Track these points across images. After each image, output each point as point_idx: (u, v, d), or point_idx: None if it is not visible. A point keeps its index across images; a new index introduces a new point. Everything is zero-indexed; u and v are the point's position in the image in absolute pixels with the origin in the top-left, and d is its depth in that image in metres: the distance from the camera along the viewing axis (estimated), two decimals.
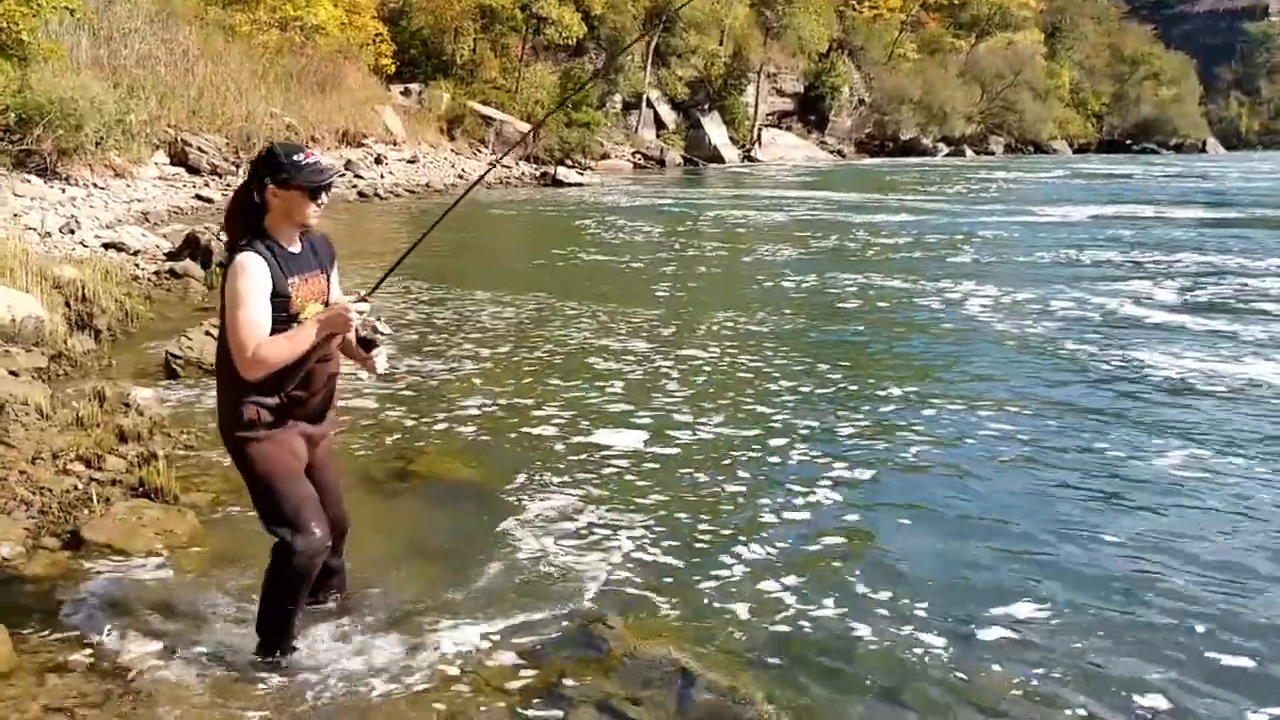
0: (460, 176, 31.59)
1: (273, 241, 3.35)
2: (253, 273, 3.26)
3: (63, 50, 18.94)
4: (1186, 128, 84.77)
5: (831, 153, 60.59)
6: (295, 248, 3.43)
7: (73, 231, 13.13)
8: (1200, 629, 3.99)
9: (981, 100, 70.21)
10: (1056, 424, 6.80)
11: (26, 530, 4.52)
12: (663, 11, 46.93)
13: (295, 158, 3.35)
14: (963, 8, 74.78)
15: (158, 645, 3.63)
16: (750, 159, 54.20)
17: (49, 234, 12.74)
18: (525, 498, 5.29)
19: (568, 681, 3.52)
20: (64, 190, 16.52)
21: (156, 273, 11.78)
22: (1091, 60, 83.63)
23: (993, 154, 68.84)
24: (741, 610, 4.11)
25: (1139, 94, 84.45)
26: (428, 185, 29.10)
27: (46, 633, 3.71)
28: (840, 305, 11.56)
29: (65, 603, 3.93)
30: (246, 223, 3.37)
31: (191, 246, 12.28)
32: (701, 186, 36.46)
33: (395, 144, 33.29)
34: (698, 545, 4.76)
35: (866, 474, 5.77)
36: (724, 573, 4.46)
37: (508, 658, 3.68)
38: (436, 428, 6.55)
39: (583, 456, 5.98)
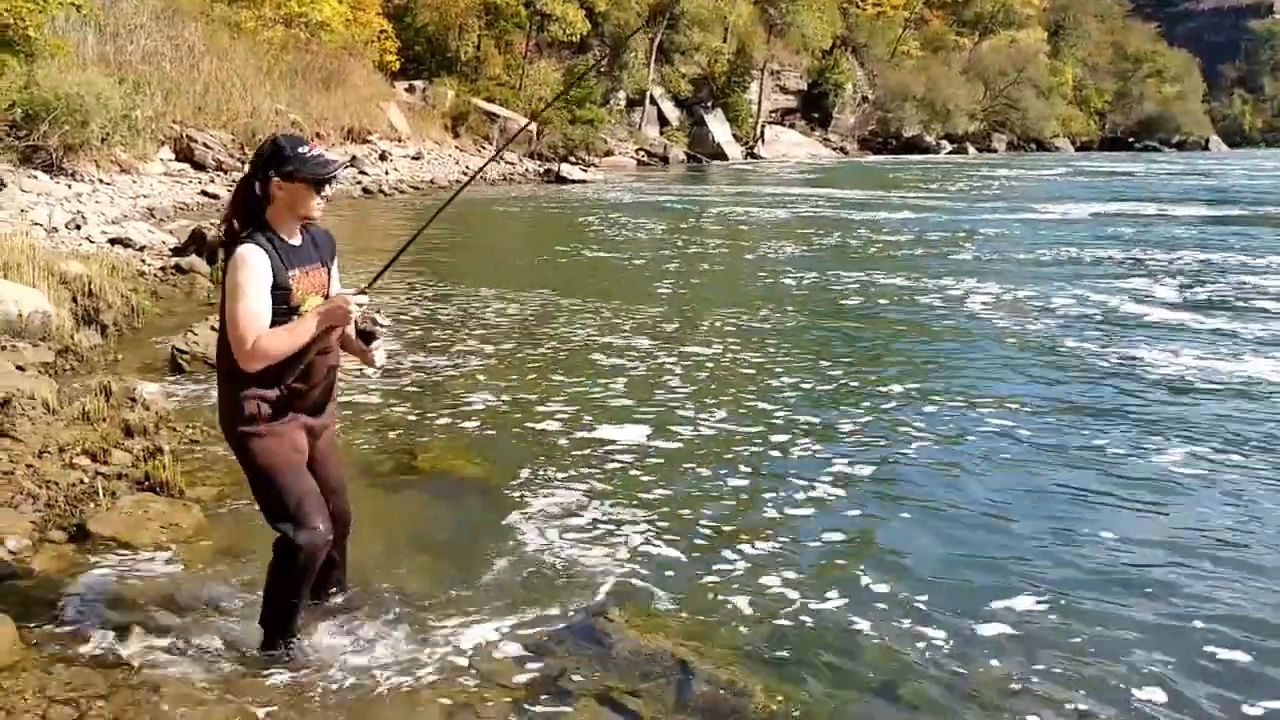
0: (464, 173, 31.62)
1: (274, 234, 3.35)
2: (253, 265, 3.26)
3: (69, 46, 18.96)
4: (1189, 125, 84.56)
5: (834, 150, 60.55)
6: (296, 240, 3.42)
7: (79, 227, 13.17)
8: (1199, 625, 4.01)
9: (984, 98, 70.11)
10: (1057, 421, 6.82)
11: (33, 523, 4.56)
12: (666, 8, 46.96)
13: (300, 150, 3.35)
14: (966, 5, 74.74)
15: (163, 638, 3.66)
16: (753, 156, 54.18)
17: (55, 229, 12.79)
18: (529, 493, 5.32)
19: (569, 675, 3.54)
20: (70, 186, 16.56)
21: (162, 268, 11.81)
22: (1095, 58, 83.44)
23: (995, 151, 68.75)
24: (742, 604, 4.13)
25: (1142, 91, 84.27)
26: (432, 182, 29.14)
27: (53, 625, 3.74)
28: (842, 302, 11.57)
29: (71, 595, 3.96)
30: (248, 215, 3.36)
31: (197, 242, 12.31)
32: (705, 184, 36.46)
33: (400, 141, 33.33)
34: (699, 540, 4.79)
35: (867, 470, 5.80)
36: (725, 567, 4.49)
37: (511, 652, 3.71)
38: (440, 423, 6.58)
39: (586, 452, 6.01)
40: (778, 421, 6.71)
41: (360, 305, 3.34)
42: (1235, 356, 8.72)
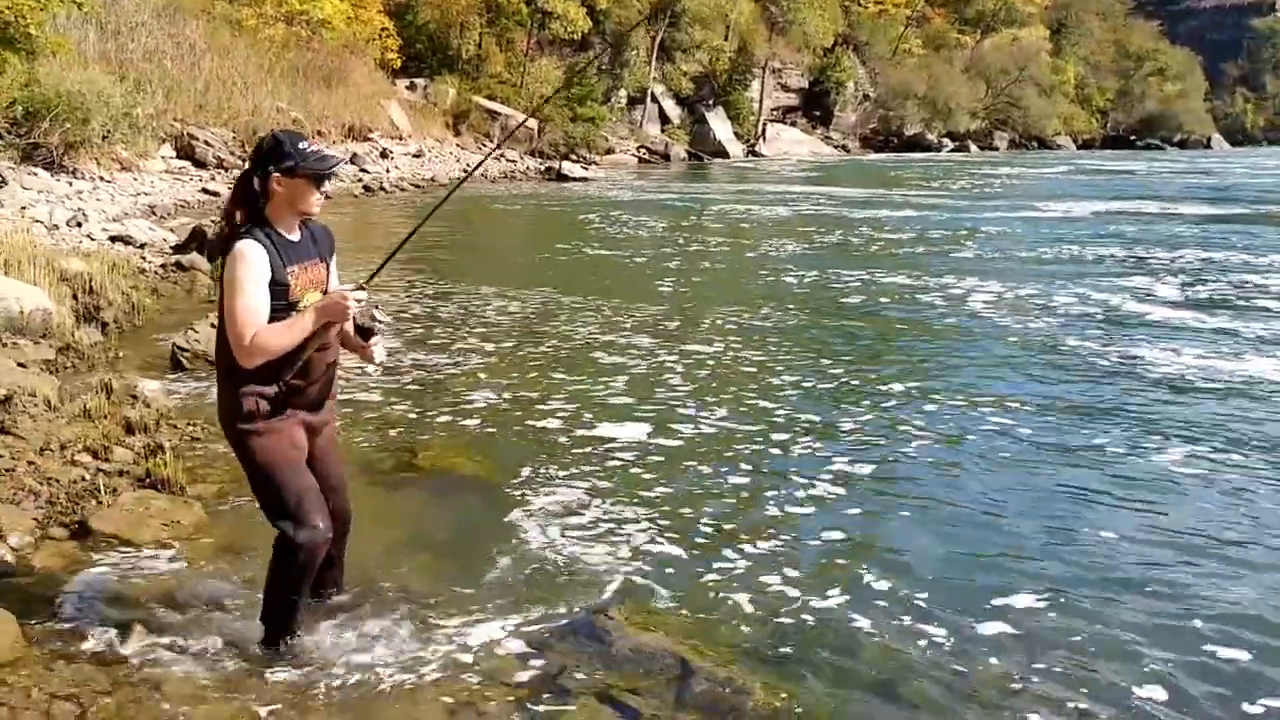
0: (465, 171, 31.56)
1: (272, 230, 3.34)
2: (252, 260, 3.25)
3: (70, 44, 18.96)
4: (1191, 124, 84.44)
5: (836, 148, 60.52)
6: (295, 236, 3.42)
7: (80, 224, 13.18)
8: (1200, 625, 4.01)
9: (986, 96, 70.07)
10: (1058, 420, 6.82)
11: (35, 520, 4.56)
12: (668, 6, 46.92)
13: (300, 145, 3.34)
14: (968, 3, 74.71)
15: (165, 635, 3.67)
16: (754, 154, 54.15)
17: (56, 227, 12.79)
18: (529, 491, 5.32)
19: (570, 673, 3.55)
20: (71, 184, 16.56)
21: (163, 266, 11.82)
22: (1097, 56, 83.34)
23: (997, 150, 68.70)
24: (743, 602, 4.14)
25: (1144, 90, 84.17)
26: (433, 179, 29.12)
27: (54, 622, 3.75)
28: (843, 301, 11.57)
29: (73, 592, 3.97)
30: (247, 211, 3.35)
31: (198, 240, 12.32)
32: (705, 181, 36.45)
33: (401, 138, 33.30)
34: (700, 538, 4.79)
35: (868, 469, 5.80)
36: (726, 565, 4.49)
37: (513, 649, 3.72)
38: (441, 421, 6.58)
39: (587, 450, 6.02)
40: (779, 420, 6.72)
41: (359, 301, 3.33)
42: (1237, 355, 8.72)
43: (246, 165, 3.44)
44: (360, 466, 5.45)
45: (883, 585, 4.31)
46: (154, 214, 16.87)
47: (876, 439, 6.36)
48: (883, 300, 11.57)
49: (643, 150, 47.60)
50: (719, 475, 5.64)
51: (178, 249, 12.58)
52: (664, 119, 51.96)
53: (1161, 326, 10.01)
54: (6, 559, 4.16)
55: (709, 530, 4.90)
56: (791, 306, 11.14)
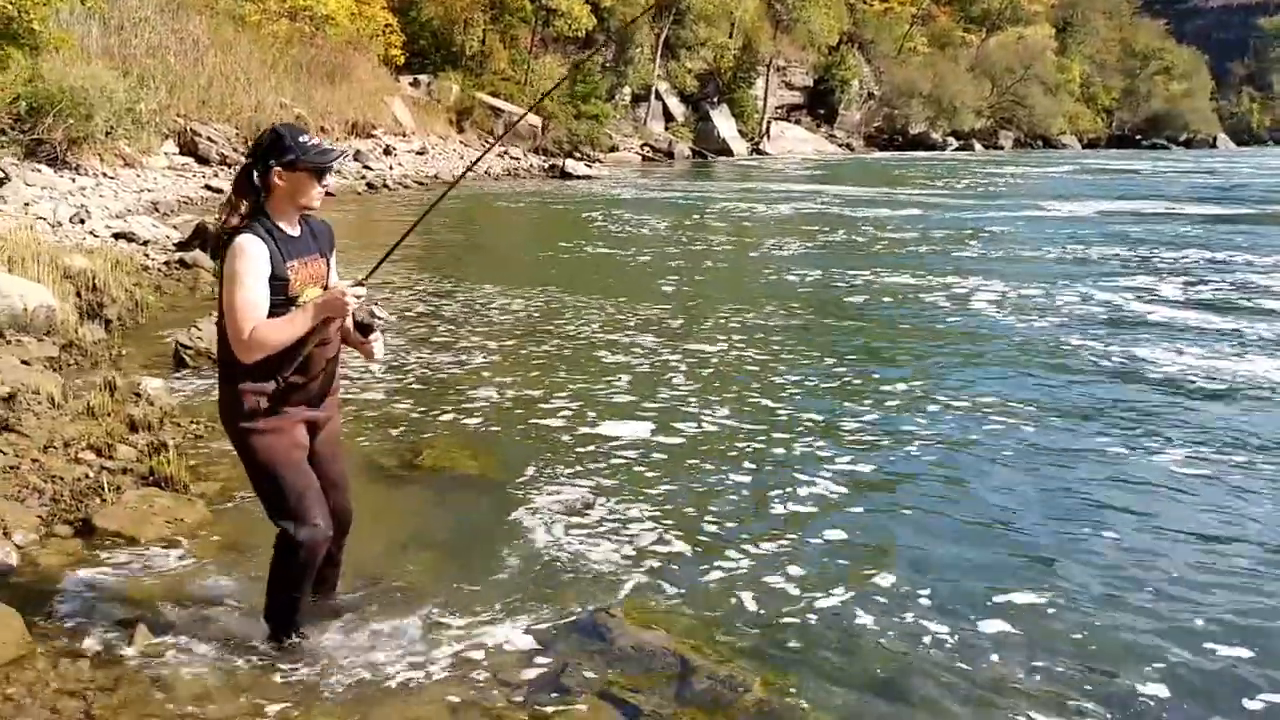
0: (468, 167, 31.56)
1: (272, 224, 3.33)
2: (252, 254, 3.24)
3: (73, 39, 18.99)
4: (1197, 123, 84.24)
5: (840, 146, 60.46)
6: (295, 231, 3.41)
7: (83, 221, 13.19)
8: (1201, 625, 4.02)
9: (991, 94, 69.94)
10: (1061, 420, 6.82)
11: (39, 518, 4.58)
12: (672, 4, 46.86)
13: (301, 139, 3.34)
14: (973, 2, 74.51)
15: (169, 632, 3.68)
16: (759, 152, 54.11)
17: (59, 224, 12.80)
18: (533, 489, 5.33)
19: (571, 671, 3.55)
20: (74, 180, 16.58)
21: (166, 263, 11.83)
22: (1102, 55, 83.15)
23: (1002, 149, 68.59)
24: (745, 600, 4.15)
25: (1150, 89, 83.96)
26: (436, 176, 29.14)
27: (59, 619, 3.77)
28: (846, 300, 11.57)
29: (77, 589, 3.99)
30: (247, 205, 3.34)
31: (201, 236, 12.32)
32: (709, 179, 36.43)
33: (404, 135, 33.32)
34: (702, 536, 4.80)
35: (870, 467, 5.81)
36: (727, 564, 4.50)
37: (517, 647, 3.73)
38: (444, 419, 6.59)
39: (590, 448, 6.03)
40: (781, 419, 6.72)
41: (358, 297, 3.33)
42: (1241, 356, 8.71)
43: (246, 159, 3.43)
44: (363, 465, 5.46)
45: (884, 584, 4.31)
46: (157, 211, 16.89)
47: (879, 438, 6.36)
48: (886, 300, 11.56)
49: (647, 148, 47.55)
50: (722, 474, 5.65)
51: (181, 246, 12.60)
52: (668, 117, 51.91)
53: (1166, 327, 10.00)
54: (11, 556, 4.17)
55: (711, 529, 4.90)
56: (795, 306, 11.14)
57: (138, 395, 6.38)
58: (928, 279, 12.90)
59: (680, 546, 4.68)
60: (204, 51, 25.61)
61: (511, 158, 35.89)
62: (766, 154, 53.77)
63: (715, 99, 53.77)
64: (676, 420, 6.61)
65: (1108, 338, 9.41)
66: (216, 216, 3.55)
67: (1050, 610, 4.11)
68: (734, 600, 4.16)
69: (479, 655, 3.66)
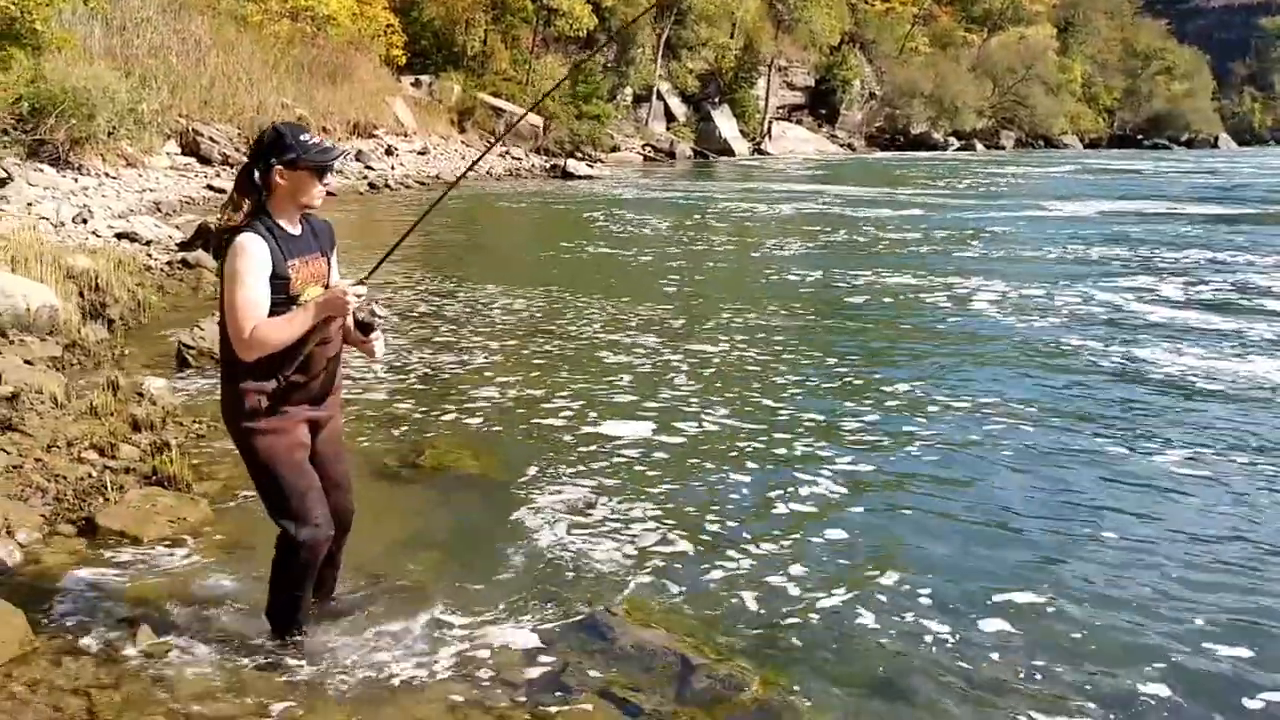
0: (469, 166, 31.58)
1: (273, 223, 3.33)
2: (252, 253, 3.24)
3: (76, 40, 19.03)
4: (1199, 123, 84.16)
5: (841, 146, 60.45)
6: (295, 230, 3.41)
7: (85, 221, 13.21)
8: (1202, 624, 4.02)
9: (993, 94, 69.92)
10: (1061, 421, 6.82)
11: (43, 517, 4.60)
12: (674, 4, 46.86)
13: (302, 138, 3.34)
14: (975, 2, 74.49)
15: (171, 631, 3.69)
16: (760, 152, 54.11)
17: (62, 224, 12.82)
18: (534, 489, 5.34)
19: (573, 670, 3.57)
20: (76, 180, 16.61)
21: (169, 263, 11.85)
22: (1104, 55, 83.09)
23: (1003, 149, 68.56)
24: (746, 600, 4.16)
25: (1151, 89, 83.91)
26: (438, 177, 29.16)
27: (62, 617, 3.78)
28: (848, 300, 11.58)
29: (80, 588, 4.00)
30: (248, 204, 3.34)
31: (203, 236, 12.34)
32: (711, 179, 36.43)
33: (406, 135, 33.34)
34: (703, 536, 4.81)
35: (871, 467, 5.82)
36: (728, 563, 4.51)
37: (518, 647, 3.74)
38: (446, 419, 6.60)
39: (592, 448, 6.04)
40: (783, 419, 6.73)
41: (359, 296, 3.33)
42: (1241, 357, 8.71)
43: (247, 158, 3.43)
44: (366, 465, 5.47)
45: (885, 584, 4.32)
46: (159, 210, 16.92)
47: (880, 438, 6.37)
48: (887, 300, 11.57)
49: (648, 148, 47.56)
50: (723, 474, 5.66)
51: (183, 246, 12.62)
52: (669, 117, 51.91)
53: (1167, 327, 10.00)
54: (14, 555, 4.18)
55: (712, 528, 4.91)
56: (796, 306, 11.15)
57: (140, 395, 6.39)
58: (929, 279, 12.90)
59: (682, 546, 4.69)
60: (206, 52, 25.64)
61: (513, 158, 35.91)
62: (768, 154, 53.76)
63: (717, 99, 53.78)
64: (678, 420, 6.62)
65: (1108, 338, 9.42)
66: (218, 216, 3.55)
67: (1050, 610, 4.12)
68: (735, 600, 4.17)
69: (481, 654, 3.67)
